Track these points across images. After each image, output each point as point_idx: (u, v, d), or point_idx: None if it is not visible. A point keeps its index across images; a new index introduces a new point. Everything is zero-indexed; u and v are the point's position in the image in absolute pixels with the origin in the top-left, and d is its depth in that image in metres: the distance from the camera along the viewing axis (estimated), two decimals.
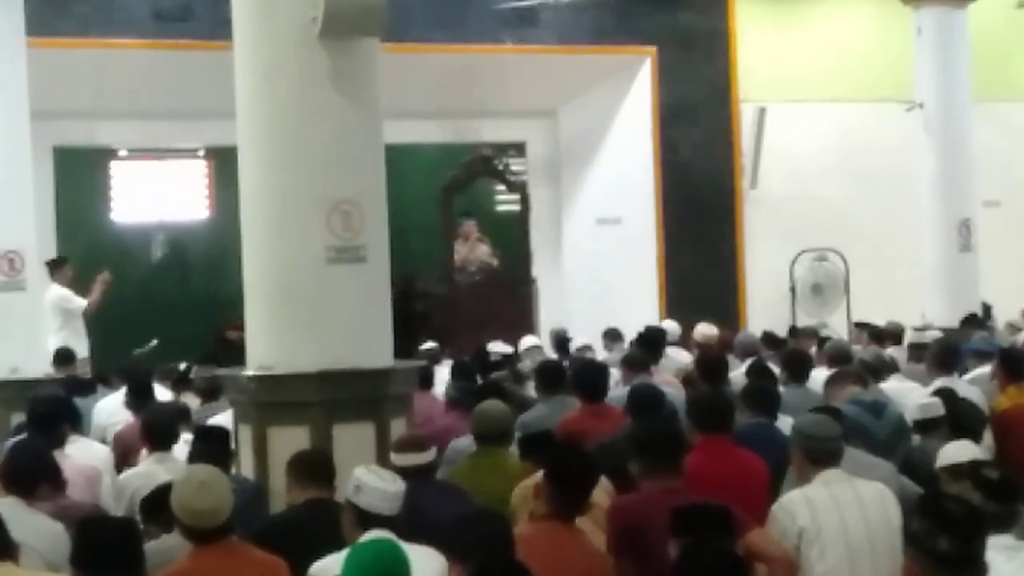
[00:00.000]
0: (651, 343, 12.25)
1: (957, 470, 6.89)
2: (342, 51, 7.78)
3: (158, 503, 6.36)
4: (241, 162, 8.04)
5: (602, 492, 6.66)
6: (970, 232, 17.80)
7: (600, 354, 13.98)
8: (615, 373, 11.47)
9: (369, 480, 5.75)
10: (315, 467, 6.73)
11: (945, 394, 9.09)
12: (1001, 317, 17.23)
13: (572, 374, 9.89)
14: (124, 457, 9.43)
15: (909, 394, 9.98)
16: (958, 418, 8.30)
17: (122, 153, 19.21)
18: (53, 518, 6.70)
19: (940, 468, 7.18)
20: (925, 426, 8.57)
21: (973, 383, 10.57)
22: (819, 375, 10.19)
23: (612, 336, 14.45)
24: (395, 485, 5.79)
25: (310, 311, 7.77)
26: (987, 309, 17.55)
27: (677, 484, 6.34)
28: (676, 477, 6.39)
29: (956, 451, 7.25)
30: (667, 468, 6.38)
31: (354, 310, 7.83)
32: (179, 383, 11.67)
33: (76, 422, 9.40)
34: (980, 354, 11.75)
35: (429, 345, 13.85)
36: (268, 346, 7.89)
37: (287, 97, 7.79)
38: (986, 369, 10.78)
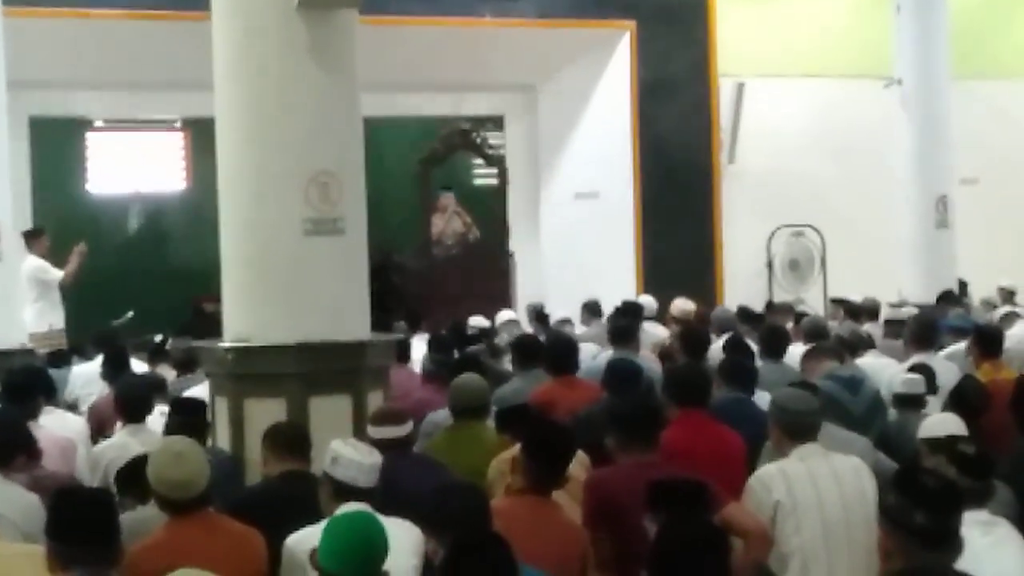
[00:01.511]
0: (628, 317, 12.25)
1: (936, 444, 6.91)
2: (321, 22, 7.76)
3: (133, 475, 6.36)
4: (219, 133, 8.00)
5: (579, 466, 6.67)
6: (947, 209, 17.84)
7: (578, 328, 13.96)
8: (592, 348, 11.49)
9: (346, 452, 5.75)
10: (291, 439, 6.72)
11: (926, 370, 9.13)
12: (977, 294, 17.27)
13: (544, 348, 9.89)
14: (99, 428, 9.42)
15: (885, 370, 10.01)
16: (962, 393, 8.29)
17: (98, 124, 19.16)
18: (28, 489, 6.69)
19: (921, 439, 7.20)
20: (905, 401, 8.60)
21: (949, 359, 10.60)
22: (796, 351, 10.21)
23: (591, 309, 14.43)
24: (372, 458, 5.79)
25: (287, 283, 7.75)
26: (963, 286, 17.60)
27: (653, 458, 6.35)
28: (652, 451, 6.40)
29: (938, 424, 7.27)
30: (643, 442, 6.40)
31: (331, 282, 7.81)
32: (155, 355, 11.64)
33: (51, 393, 9.38)
34: (956, 331, 11.78)
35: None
36: (245, 318, 7.88)
37: (265, 68, 7.76)
38: (962, 346, 10.81)
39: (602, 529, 6.17)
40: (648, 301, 14.55)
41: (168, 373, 10.81)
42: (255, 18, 7.78)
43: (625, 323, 11.42)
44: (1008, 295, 16.58)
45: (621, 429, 6.45)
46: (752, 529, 6.01)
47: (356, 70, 8.04)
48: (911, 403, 8.58)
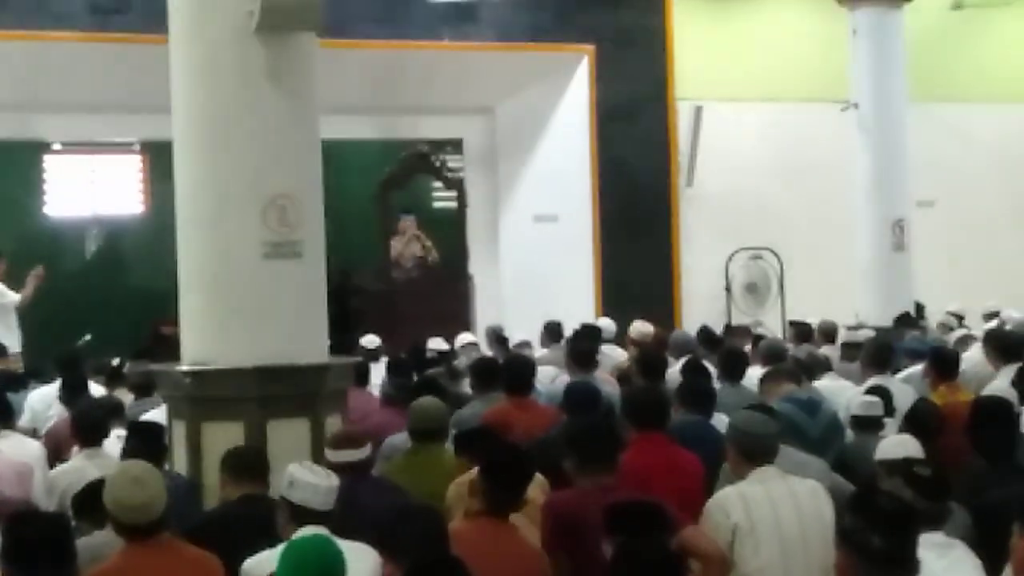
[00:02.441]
0: (587, 340, 12.26)
1: (892, 465, 6.94)
2: (279, 46, 7.76)
3: (89, 499, 6.33)
4: (176, 156, 8.00)
5: (537, 489, 6.67)
6: (904, 232, 17.93)
7: (538, 351, 13.95)
8: (551, 371, 11.50)
9: (302, 476, 5.74)
10: (249, 463, 6.71)
11: (882, 392, 9.16)
12: (934, 317, 17.35)
13: (501, 369, 9.89)
14: (56, 452, 9.36)
15: (843, 392, 10.04)
16: (916, 415, 8.33)
17: (56, 146, 19.06)
18: None
19: (878, 461, 7.22)
20: (863, 423, 8.63)
21: (906, 382, 10.65)
22: (754, 373, 10.24)
23: (552, 332, 14.36)
24: (328, 480, 5.78)
25: (245, 306, 7.74)
26: (920, 308, 17.68)
27: (611, 481, 6.35)
28: (610, 474, 6.40)
29: (894, 446, 7.29)
30: (601, 465, 6.40)
31: (290, 306, 7.81)
32: (112, 378, 11.58)
33: (7, 417, 9.32)
34: (913, 353, 11.83)
35: (370, 341, 13.77)
36: (203, 341, 7.86)
37: (223, 91, 7.76)
38: (919, 368, 10.86)
39: (560, 552, 6.17)
40: (607, 324, 14.57)
41: (125, 397, 10.76)
42: (213, 41, 7.78)
43: (585, 346, 11.44)
44: (957, 319, 16.66)
45: (579, 452, 6.46)
46: (710, 552, 6.02)
47: (315, 93, 8.05)
48: (869, 425, 8.62)
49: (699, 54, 19.50)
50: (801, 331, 14.65)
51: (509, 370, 9.48)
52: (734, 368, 10.34)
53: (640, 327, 13.98)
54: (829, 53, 19.32)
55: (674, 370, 10.79)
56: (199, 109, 7.85)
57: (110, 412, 9.05)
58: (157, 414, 8.82)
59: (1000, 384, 10.02)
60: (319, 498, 5.69)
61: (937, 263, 19.08)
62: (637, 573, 4.45)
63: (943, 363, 10.22)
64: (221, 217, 7.77)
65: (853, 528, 4.46)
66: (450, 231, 18.77)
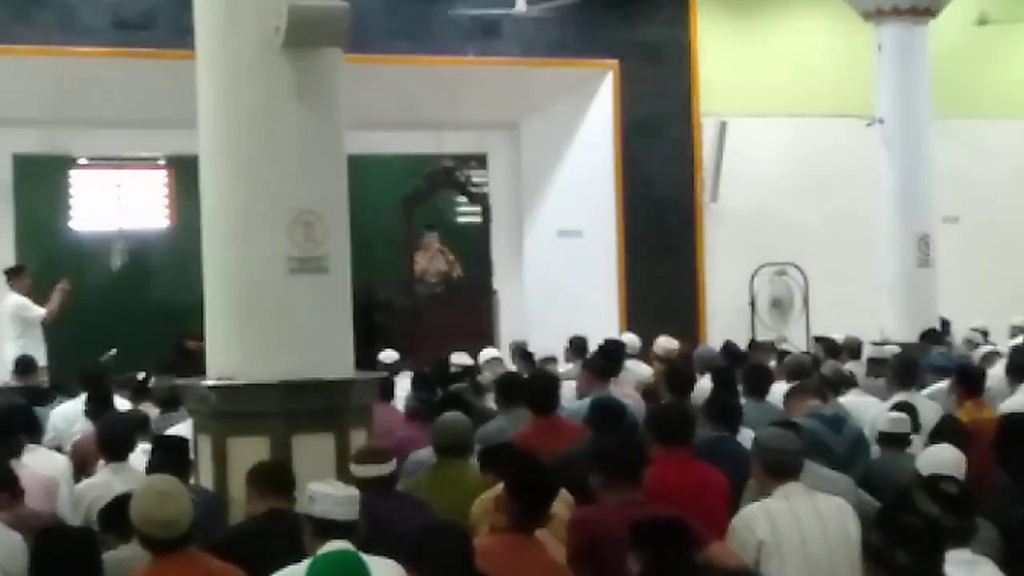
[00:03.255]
0: (611, 356, 12.25)
1: (920, 481, 6.88)
2: (305, 61, 7.78)
3: (116, 514, 6.33)
4: (203, 171, 8.02)
5: (562, 504, 6.67)
6: (929, 247, 17.87)
7: (562, 366, 13.94)
8: (575, 386, 11.48)
9: (320, 488, 5.75)
10: (275, 477, 6.72)
11: (909, 408, 9.13)
12: (959, 333, 17.30)
13: (524, 386, 9.85)
14: (82, 467, 9.38)
15: (869, 409, 10.02)
16: (941, 432, 8.27)
17: (82, 161, 19.13)
18: (11, 528, 6.66)
19: (918, 469, 7.05)
20: (891, 440, 8.60)
21: (931, 398, 10.61)
22: (779, 389, 10.22)
23: (577, 347, 14.32)
24: (346, 491, 5.77)
25: (271, 321, 7.75)
26: (945, 324, 17.62)
27: (637, 497, 6.34)
28: (636, 490, 6.39)
29: (938, 460, 7.09)
30: (627, 481, 6.39)
31: (315, 321, 7.82)
32: (138, 393, 11.60)
33: (34, 431, 9.34)
34: (938, 369, 11.80)
35: (389, 356, 13.79)
36: (228, 356, 7.88)
37: (249, 107, 7.78)
38: (944, 384, 10.83)
39: (586, 567, 6.17)
40: (631, 339, 14.54)
41: (151, 411, 10.78)
42: (240, 57, 7.80)
43: (603, 361, 11.42)
44: (983, 336, 16.61)
45: (605, 468, 6.45)
46: (734, 569, 6.01)
47: (341, 109, 8.07)
48: (896, 442, 8.59)
49: (724, 69, 19.49)
50: (828, 347, 14.62)
51: (533, 388, 9.45)
52: (759, 384, 10.33)
53: (665, 343, 13.98)
54: (853, 68, 19.28)
55: (700, 386, 10.77)
56: (225, 124, 7.88)
57: (136, 426, 9.07)
58: (182, 428, 8.83)
59: (1018, 400, 10.00)
60: (339, 508, 5.68)
61: (962, 279, 19.01)
62: None
63: (969, 379, 10.20)
64: (247, 232, 7.79)
65: (879, 545, 4.45)
66: (474, 246, 18.78)
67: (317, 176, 7.89)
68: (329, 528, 5.63)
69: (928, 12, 17.73)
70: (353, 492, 5.79)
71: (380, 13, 17.01)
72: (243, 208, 7.82)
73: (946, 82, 18.91)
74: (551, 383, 9.62)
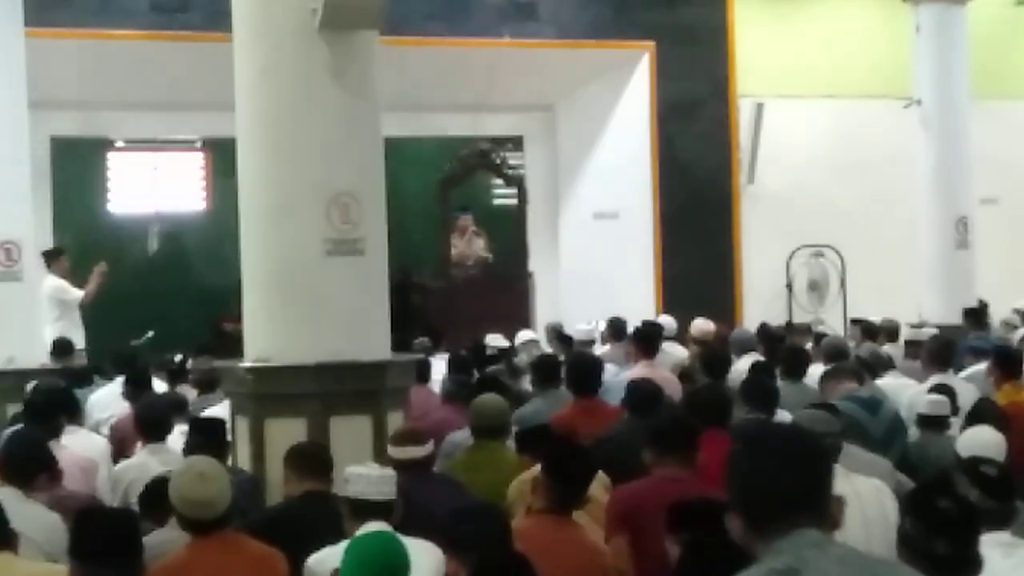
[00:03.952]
0: (647, 338, 12.23)
1: (960, 464, 6.84)
2: (341, 44, 7.79)
3: (155, 495, 6.37)
4: (240, 154, 8.04)
5: (599, 487, 6.67)
6: (967, 229, 17.81)
7: (598, 348, 13.91)
8: (612, 368, 11.47)
9: (354, 470, 5.78)
10: (313, 459, 6.74)
11: (947, 390, 9.09)
12: (997, 315, 17.23)
13: (566, 367, 9.87)
14: (120, 448, 9.44)
15: (905, 391, 9.99)
16: (978, 415, 8.21)
17: (119, 144, 19.17)
18: (50, 509, 6.70)
19: (957, 451, 7.01)
20: (929, 422, 8.58)
21: (969, 380, 10.57)
22: (815, 371, 10.19)
23: (615, 329, 14.22)
24: (381, 471, 5.79)
25: (308, 303, 7.78)
26: (983, 306, 17.55)
27: (686, 474, 6.29)
28: (687, 467, 6.34)
29: (979, 442, 7.04)
30: (680, 457, 6.34)
31: (352, 303, 7.84)
32: (175, 375, 11.65)
33: (73, 413, 9.39)
34: (976, 351, 11.75)
35: (421, 343, 13.79)
36: (266, 338, 7.90)
37: (286, 89, 7.80)
38: (982, 366, 10.79)
39: (619, 537, 6.15)
40: (668, 321, 14.51)
41: (188, 393, 10.83)
42: (277, 40, 7.82)
43: (653, 331, 11.55)
44: (1022, 317, 16.54)
45: (659, 441, 6.40)
46: None
47: (376, 90, 8.07)
48: (935, 424, 8.56)
49: (760, 51, 19.44)
50: (866, 329, 14.58)
51: (575, 369, 9.44)
52: (796, 366, 10.31)
53: (701, 325, 13.95)
54: (891, 49, 19.22)
55: (737, 368, 10.75)
56: (263, 107, 7.90)
57: (173, 408, 9.11)
58: (219, 410, 8.86)
59: None
60: (374, 488, 5.69)
61: (1000, 260, 18.93)
62: (706, 572, 4.42)
63: (1007, 362, 10.16)
64: (284, 214, 7.81)
65: (914, 534, 4.42)
66: (510, 228, 18.77)
67: (354, 158, 7.91)
68: (365, 509, 5.65)
69: None
70: (388, 472, 5.80)
71: None
72: (280, 190, 7.84)
73: (984, 63, 18.83)
74: (594, 364, 9.62)
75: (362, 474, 5.73)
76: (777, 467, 3.23)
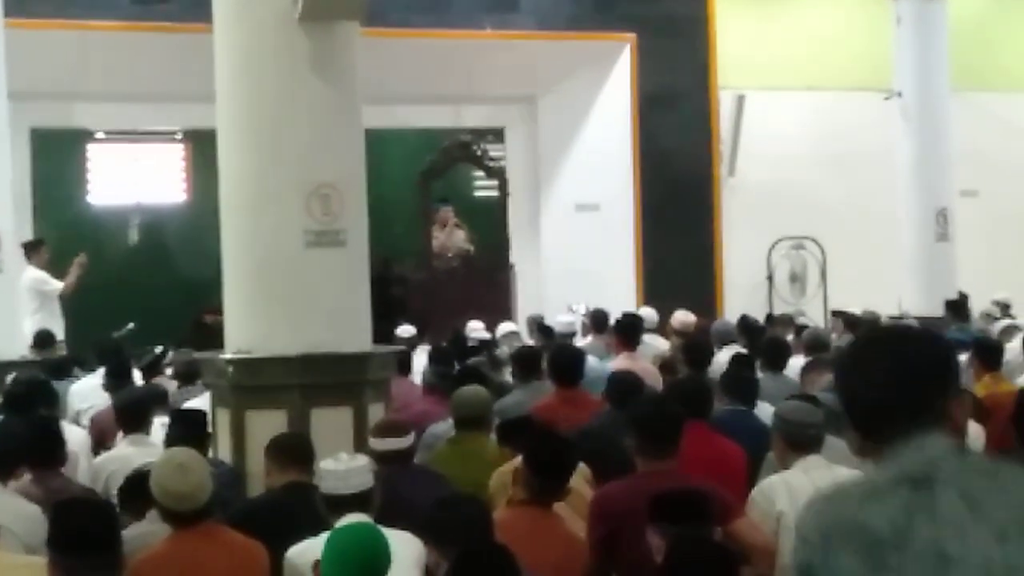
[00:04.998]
0: (628, 330, 12.24)
1: None
2: (322, 35, 7.78)
3: (136, 486, 6.34)
4: (220, 145, 8.03)
5: (580, 478, 6.66)
6: (947, 221, 17.87)
7: (580, 340, 13.90)
8: (592, 360, 11.47)
9: (326, 466, 5.75)
10: (294, 450, 6.72)
11: None
12: (977, 307, 17.27)
13: (548, 358, 9.87)
14: (100, 440, 9.40)
15: None
16: None
17: (99, 135, 19.16)
18: (45, 500, 6.67)
19: None
20: None
21: None
22: (796, 363, 10.20)
23: (597, 320, 14.20)
24: (349, 463, 5.73)
25: (289, 295, 7.77)
26: (964, 298, 17.59)
27: (670, 466, 6.26)
28: (669, 459, 6.29)
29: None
30: (663, 448, 6.29)
31: (333, 294, 7.84)
32: (150, 369, 11.54)
33: (52, 404, 9.37)
34: (956, 343, 11.74)
35: (406, 331, 13.78)
36: (246, 330, 7.89)
37: (267, 80, 7.79)
38: (962, 358, 10.80)
39: (598, 545, 6.13)
40: (649, 313, 14.49)
41: (169, 384, 10.80)
42: (257, 31, 7.80)
43: (635, 322, 11.63)
44: (1003, 308, 16.58)
45: (642, 432, 6.35)
46: (758, 545, 6.01)
47: (357, 82, 8.06)
48: None
49: (741, 42, 19.46)
50: (847, 321, 14.59)
51: (557, 360, 9.43)
52: (776, 358, 10.32)
53: (682, 316, 13.96)
54: (872, 42, 19.26)
55: (717, 360, 10.76)
56: (243, 98, 7.88)
57: (154, 399, 9.09)
58: (200, 402, 8.85)
59: None
60: (341, 482, 5.66)
61: (980, 253, 18.99)
62: (691, 571, 4.41)
63: (987, 353, 10.18)
64: (265, 206, 7.80)
65: None
66: (491, 220, 18.74)
67: (334, 149, 7.90)
68: (341, 503, 5.63)
69: None
70: (357, 463, 5.75)
71: None
72: (260, 181, 7.82)
73: (964, 55, 18.89)
74: (576, 355, 9.62)
75: (330, 470, 5.70)
76: (887, 376, 2.99)
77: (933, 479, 2.87)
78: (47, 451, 7.26)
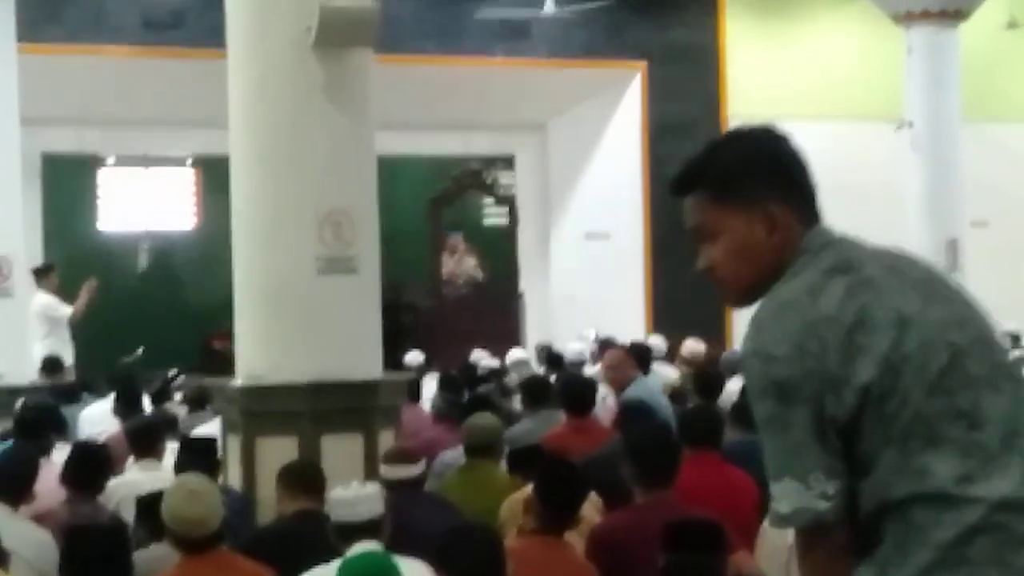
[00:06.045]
0: (637, 359, 12.22)
1: None
2: (336, 61, 7.79)
3: (147, 512, 6.33)
4: (233, 171, 8.04)
5: (591, 507, 6.64)
6: (957, 252, 17.81)
7: (588, 368, 13.89)
8: (601, 388, 11.45)
9: (335, 495, 5.74)
10: (306, 477, 6.71)
11: None
12: None
13: (559, 387, 9.86)
14: (110, 465, 9.37)
15: None
16: None
17: (110, 161, 19.18)
18: (64, 525, 6.66)
19: None
20: None
21: None
22: None
23: (606, 349, 14.19)
24: (357, 491, 5.71)
25: (300, 321, 7.77)
26: None
27: (669, 496, 6.27)
28: (668, 489, 6.31)
29: None
30: (661, 478, 6.30)
31: (344, 321, 7.83)
32: (159, 395, 11.53)
33: (62, 430, 9.37)
34: None
35: (414, 359, 13.76)
36: (257, 356, 7.89)
37: (281, 107, 7.80)
38: None
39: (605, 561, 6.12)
40: (658, 342, 14.50)
41: (178, 410, 10.79)
42: (272, 57, 7.82)
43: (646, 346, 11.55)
44: (1014, 339, 16.52)
45: (640, 463, 6.35)
46: None
47: (371, 109, 8.08)
48: None
49: (752, 72, 19.46)
50: None
51: (569, 389, 9.42)
52: None
53: (692, 345, 13.94)
54: (883, 72, 19.24)
55: (728, 389, 10.73)
56: (256, 124, 7.89)
57: (164, 424, 9.08)
58: (210, 428, 8.84)
59: None
60: (350, 509, 5.64)
61: (991, 283, 18.90)
62: None
63: None
64: (277, 232, 7.81)
65: None
66: (501, 248, 18.78)
67: (347, 176, 7.91)
68: (351, 531, 5.61)
69: (958, 15, 17.67)
70: (367, 491, 5.74)
71: (409, 14, 17.04)
72: (273, 208, 7.83)
73: (976, 86, 18.87)
74: (588, 384, 9.61)
75: (340, 499, 5.69)
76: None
77: (850, 260, 3.01)
78: (88, 476, 7.27)
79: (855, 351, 2.85)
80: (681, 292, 18.22)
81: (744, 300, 3.24)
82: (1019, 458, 2.83)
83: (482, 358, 14.20)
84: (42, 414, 9.25)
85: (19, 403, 10.50)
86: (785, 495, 2.95)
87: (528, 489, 6.47)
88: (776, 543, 6.17)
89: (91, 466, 7.34)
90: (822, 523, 2.88)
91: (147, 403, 11.13)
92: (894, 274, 2.99)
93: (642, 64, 18.98)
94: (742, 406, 8.81)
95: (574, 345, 14.48)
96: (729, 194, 3.16)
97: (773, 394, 2.90)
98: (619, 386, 10.32)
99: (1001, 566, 2.78)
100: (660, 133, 18.96)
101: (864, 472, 2.87)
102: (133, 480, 8.11)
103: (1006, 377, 2.91)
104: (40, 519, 6.84)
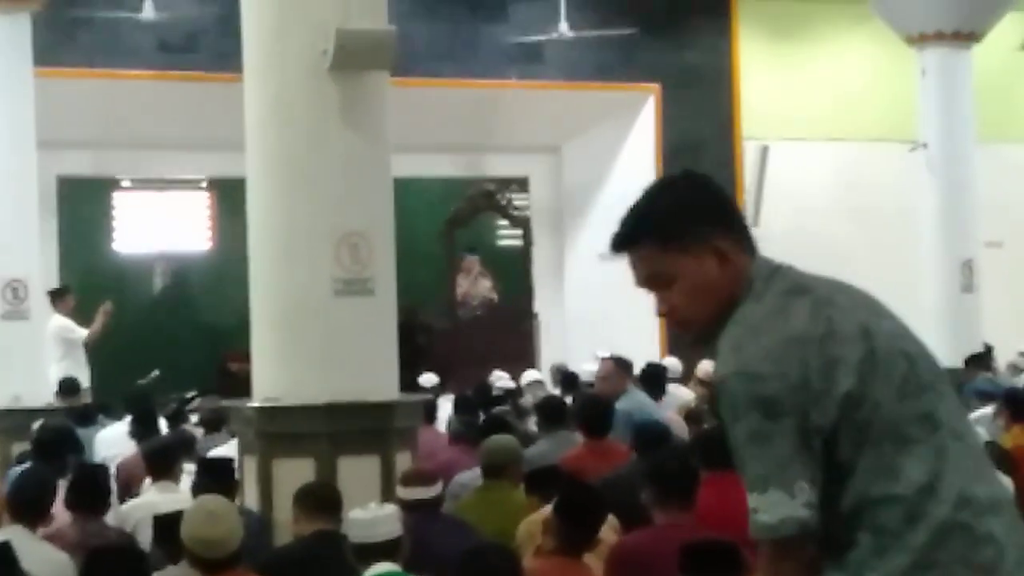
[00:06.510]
0: (653, 380, 12.23)
1: None
2: (352, 84, 7.82)
3: (166, 533, 6.34)
4: (249, 193, 8.06)
5: (609, 529, 6.64)
6: (972, 273, 17.78)
7: None
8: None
9: (354, 516, 5.78)
10: (323, 499, 6.72)
11: None
12: (1002, 358, 17.20)
13: (576, 409, 9.85)
14: (127, 487, 9.41)
15: None
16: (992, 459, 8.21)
17: (125, 183, 19.23)
18: (77, 544, 6.68)
19: None
20: None
21: (977, 423, 10.54)
22: None
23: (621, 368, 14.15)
24: (375, 512, 5.75)
25: (317, 343, 7.78)
26: (988, 350, 17.52)
27: (688, 519, 6.28)
28: (687, 511, 6.33)
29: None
30: (679, 500, 6.31)
31: (361, 343, 7.85)
32: (175, 417, 11.56)
33: (79, 452, 9.40)
34: (983, 395, 11.74)
35: (428, 380, 13.77)
36: (274, 377, 7.90)
37: (297, 129, 7.83)
38: (989, 410, 10.76)
39: None
40: (673, 363, 14.50)
41: (195, 432, 10.81)
42: (288, 80, 7.85)
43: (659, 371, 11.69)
44: None
45: (658, 485, 6.37)
46: None
47: (387, 131, 8.10)
48: None
49: (765, 93, 19.48)
50: None
51: (586, 411, 9.41)
52: None
53: (707, 366, 13.92)
54: (896, 93, 19.25)
55: None
56: (273, 146, 7.92)
57: (181, 445, 9.11)
58: (226, 449, 8.86)
59: None
60: (367, 530, 5.68)
61: (1005, 304, 18.92)
62: None
63: (1016, 404, 10.13)
64: (293, 254, 7.83)
65: None
66: (515, 269, 18.79)
67: (363, 198, 7.93)
68: (369, 552, 5.63)
69: (972, 37, 17.65)
70: (385, 512, 5.77)
71: (424, 37, 17.06)
72: (289, 230, 7.85)
73: (990, 107, 18.85)
74: (606, 406, 9.60)
75: (358, 519, 5.72)
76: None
77: (802, 284, 3.17)
78: (91, 497, 7.28)
79: (832, 363, 2.99)
80: None
81: (705, 336, 3.30)
82: (967, 458, 3.03)
83: (500, 378, 14.20)
84: (59, 436, 9.29)
85: (36, 425, 10.52)
86: (772, 505, 2.98)
87: (546, 510, 6.47)
88: None
89: (91, 488, 7.33)
90: (806, 531, 2.96)
91: (163, 425, 11.16)
92: (842, 293, 3.19)
93: (656, 86, 19.00)
94: None
95: (588, 366, 14.45)
96: (675, 239, 3.25)
97: (759, 410, 2.99)
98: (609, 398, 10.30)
99: (965, 564, 2.93)
100: (674, 155, 18.94)
101: (845, 476, 2.99)
102: (150, 502, 8.12)
103: (944, 383, 3.13)
104: (50, 538, 6.87)
